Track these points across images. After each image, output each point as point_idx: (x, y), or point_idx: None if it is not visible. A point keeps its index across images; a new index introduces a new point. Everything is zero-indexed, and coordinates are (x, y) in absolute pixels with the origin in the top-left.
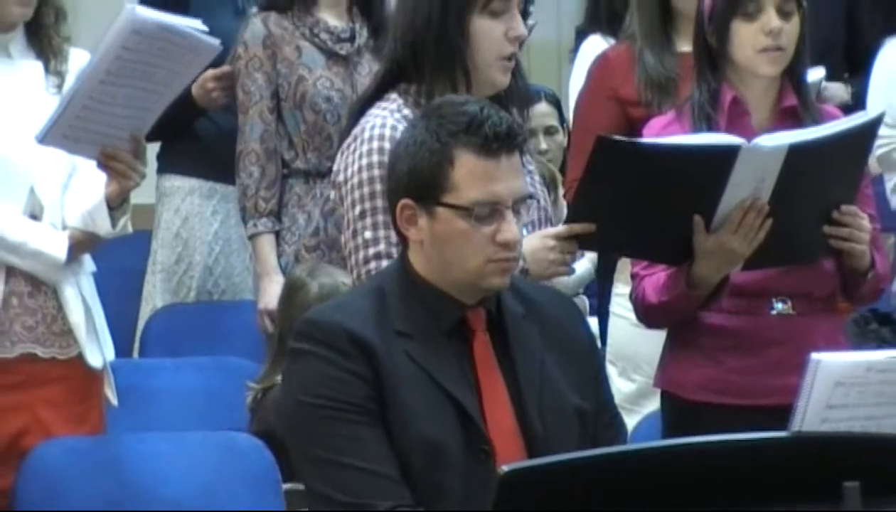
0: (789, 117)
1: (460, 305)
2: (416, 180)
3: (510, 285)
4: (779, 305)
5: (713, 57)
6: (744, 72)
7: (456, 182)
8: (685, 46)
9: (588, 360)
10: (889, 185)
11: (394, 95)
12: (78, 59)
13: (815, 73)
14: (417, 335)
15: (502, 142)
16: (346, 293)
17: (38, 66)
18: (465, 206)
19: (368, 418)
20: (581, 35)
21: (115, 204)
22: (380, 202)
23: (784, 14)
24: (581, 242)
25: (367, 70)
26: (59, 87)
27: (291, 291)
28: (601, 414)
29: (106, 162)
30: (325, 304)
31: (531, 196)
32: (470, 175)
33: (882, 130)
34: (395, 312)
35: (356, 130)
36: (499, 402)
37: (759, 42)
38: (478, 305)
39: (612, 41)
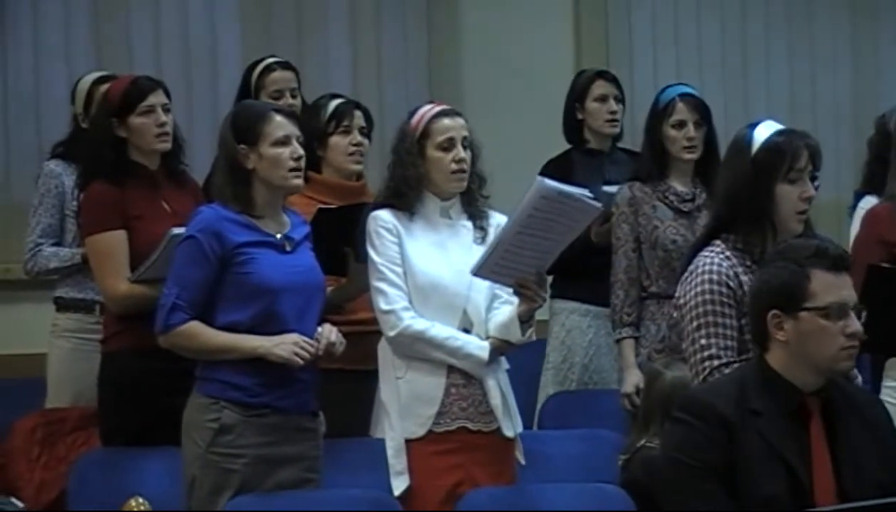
0: None
1: (801, 393)
2: (782, 295)
3: (836, 386)
4: None
5: None
6: None
7: (813, 292)
8: None
9: (889, 439)
10: None
11: (718, 242)
12: (495, 219)
13: None
14: (767, 414)
15: (842, 261)
16: (716, 380)
17: (469, 224)
18: (823, 307)
19: (717, 475)
20: (858, 196)
21: (525, 319)
22: (710, 318)
23: None
24: (864, 346)
25: (704, 221)
26: (483, 239)
27: (651, 379)
28: None
29: (519, 289)
30: (702, 386)
31: None
32: (823, 285)
33: None
34: (751, 395)
35: (691, 267)
36: (825, 471)
37: None
38: (814, 394)
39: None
